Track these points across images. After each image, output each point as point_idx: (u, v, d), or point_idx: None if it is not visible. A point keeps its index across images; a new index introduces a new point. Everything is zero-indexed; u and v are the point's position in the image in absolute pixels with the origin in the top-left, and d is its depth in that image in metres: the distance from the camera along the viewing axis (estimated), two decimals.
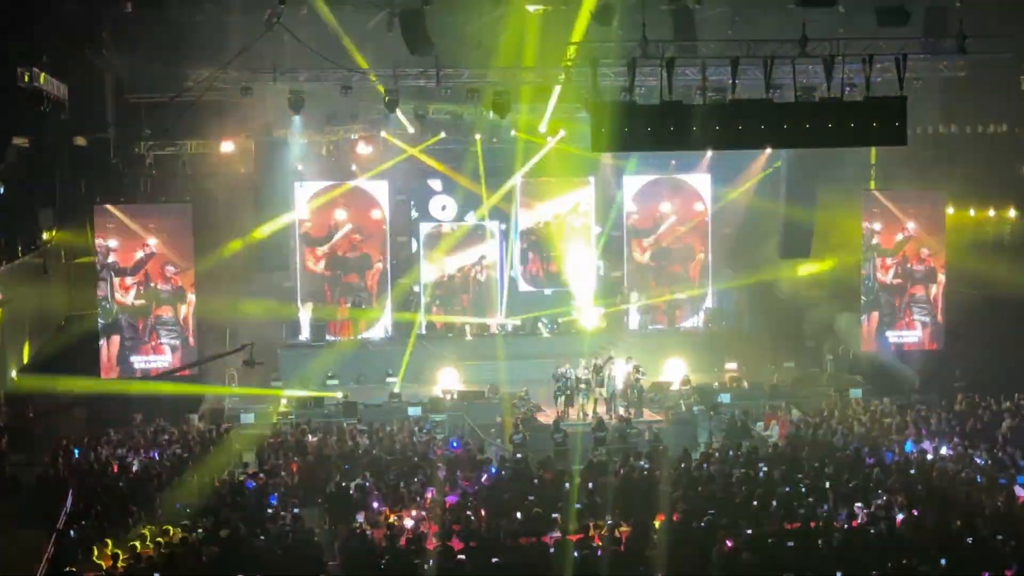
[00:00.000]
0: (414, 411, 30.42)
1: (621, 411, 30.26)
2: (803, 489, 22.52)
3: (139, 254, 31.61)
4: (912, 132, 24.41)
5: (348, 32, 30.62)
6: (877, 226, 34.58)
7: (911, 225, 34.74)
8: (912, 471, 23.82)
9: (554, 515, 20.87)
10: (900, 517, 20.85)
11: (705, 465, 24.50)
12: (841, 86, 24.23)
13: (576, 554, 18.92)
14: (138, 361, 31.75)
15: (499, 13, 29.60)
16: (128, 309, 31.69)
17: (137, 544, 19.54)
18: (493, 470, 24.61)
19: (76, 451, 26.39)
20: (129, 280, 31.60)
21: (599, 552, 19.27)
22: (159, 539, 19.96)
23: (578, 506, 21.57)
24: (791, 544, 19.36)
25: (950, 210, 35.23)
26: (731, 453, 25.65)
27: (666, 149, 33.48)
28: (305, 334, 36.02)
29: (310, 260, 36.43)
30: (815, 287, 36.86)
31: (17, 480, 24.95)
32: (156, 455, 26.35)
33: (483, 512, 21.50)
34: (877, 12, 26.30)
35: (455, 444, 26.67)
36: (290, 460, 25.98)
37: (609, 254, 38.90)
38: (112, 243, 31.42)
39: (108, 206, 31.73)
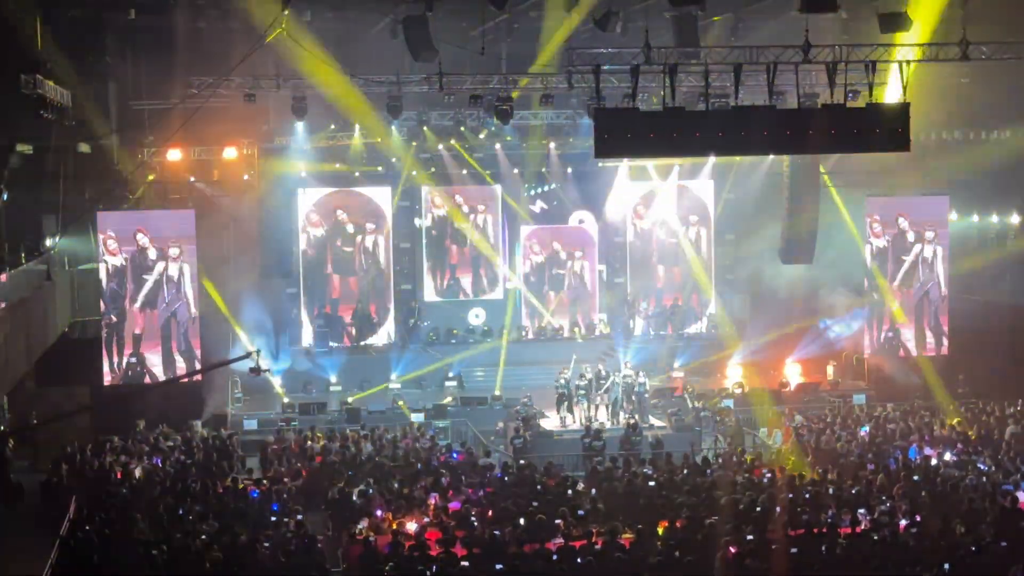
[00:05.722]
0: (417, 417, 30.40)
1: (624, 417, 30.22)
2: (806, 495, 22.49)
3: (142, 261, 31.60)
4: (915, 138, 24.38)
5: (351, 38, 30.68)
6: (880, 232, 34.56)
7: (914, 231, 34.74)
8: (916, 477, 23.78)
9: (557, 521, 20.85)
10: (904, 523, 20.81)
11: (708, 471, 24.48)
12: (844, 92, 24.21)
13: (579, 560, 18.91)
14: (141, 367, 31.72)
15: (503, 19, 29.65)
16: (131, 315, 31.67)
17: None
18: (498, 475, 24.60)
19: (79, 457, 26.37)
20: (132, 286, 31.60)
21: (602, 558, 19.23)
22: None
23: (581, 512, 21.55)
24: (794, 551, 19.33)
25: (953, 216, 35.22)
26: (735, 459, 25.64)
27: (669, 155, 33.54)
28: (308, 340, 36.02)
29: (312, 265, 36.41)
30: (818, 293, 36.86)
31: (21, 486, 24.98)
32: (159, 462, 26.34)
33: (486, 518, 21.47)
34: (879, 18, 26.27)
35: (455, 456, 26.60)
36: (293, 466, 25.98)
37: (613, 260, 38.96)
38: (115, 249, 31.41)
39: (111, 212, 31.77)
